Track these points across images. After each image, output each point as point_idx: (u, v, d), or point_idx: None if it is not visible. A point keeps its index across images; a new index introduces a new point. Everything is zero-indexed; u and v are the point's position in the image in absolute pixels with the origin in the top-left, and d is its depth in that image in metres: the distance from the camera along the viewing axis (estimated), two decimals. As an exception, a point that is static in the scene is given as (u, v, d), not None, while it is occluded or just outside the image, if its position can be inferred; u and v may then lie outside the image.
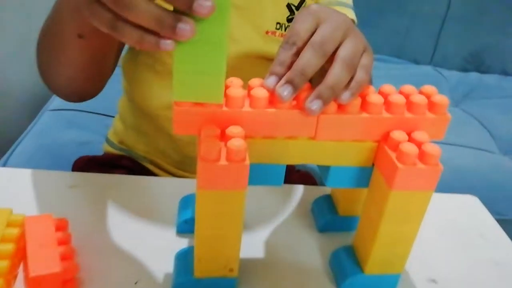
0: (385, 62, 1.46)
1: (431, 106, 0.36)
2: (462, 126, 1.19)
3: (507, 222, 0.92)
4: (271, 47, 0.57)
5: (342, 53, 0.33)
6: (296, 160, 0.36)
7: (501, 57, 1.50)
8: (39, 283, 0.35)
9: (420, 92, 0.37)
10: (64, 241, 0.39)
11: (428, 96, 0.36)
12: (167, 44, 0.28)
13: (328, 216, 0.47)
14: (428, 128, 0.36)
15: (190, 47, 0.28)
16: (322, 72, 0.33)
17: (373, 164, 0.37)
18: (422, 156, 0.33)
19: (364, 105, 0.35)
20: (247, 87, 0.35)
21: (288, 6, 0.57)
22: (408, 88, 0.37)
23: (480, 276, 0.45)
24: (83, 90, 0.52)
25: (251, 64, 0.57)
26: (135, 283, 0.39)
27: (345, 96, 0.33)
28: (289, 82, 0.32)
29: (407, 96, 0.36)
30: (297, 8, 0.57)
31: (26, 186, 0.49)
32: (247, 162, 0.31)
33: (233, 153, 0.31)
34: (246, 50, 0.57)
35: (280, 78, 0.33)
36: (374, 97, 0.35)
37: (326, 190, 0.51)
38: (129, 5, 0.27)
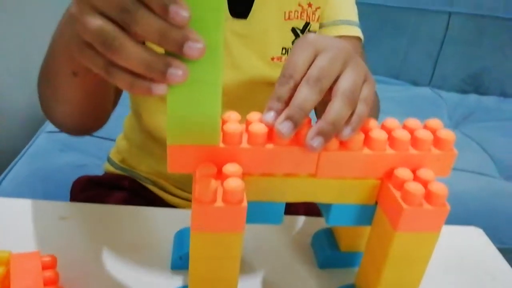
0: (384, 83, 1.46)
1: (437, 141, 0.34)
2: (461, 150, 1.16)
3: (510, 251, 0.91)
4: (277, 72, 0.55)
5: (342, 86, 0.32)
6: (296, 198, 0.35)
7: (500, 78, 1.50)
8: (22, 329, 0.33)
9: (425, 127, 0.35)
10: (51, 281, 0.37)
11: (433, 131, 0.35)
12: (159, 89, 0.27)
13: (329, 252, 0.45)
14: (433, 164, 0.34)
15: (183, 89, 0.27)
16: (325, 101, 0.32)
17: (376, 202, 0.36)
18: (429, 196, 0.32)
19: (367, 141, 0.33)
20: (245, 122, 0.33)
21: (293, 30, 0.57)
22: (412, 122, 0.35)
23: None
24: (82, 126, 0.52)
25: (257, 91, 0.56)
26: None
27: (346, 132, 0.32)
28: (289, 118, 0.31)
29: (411, 131, 0.34)
30: (302, 31, 0.57)
31: (14, 218, 0.47)
32: (245, 203, 0.30)
33: (230, 194, 0.29)
34: (251, 78, 0.56)
35: (278, 114, 0.32)
36: (377, 133, 0.33)
37: (326, 222, 0.49)
38: (118, 49, 0.26)
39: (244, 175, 0.32)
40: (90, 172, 0.71)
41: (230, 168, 0.31)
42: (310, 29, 0.58)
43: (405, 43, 1.45)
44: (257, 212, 0.34)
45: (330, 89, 0.32)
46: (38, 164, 0.92)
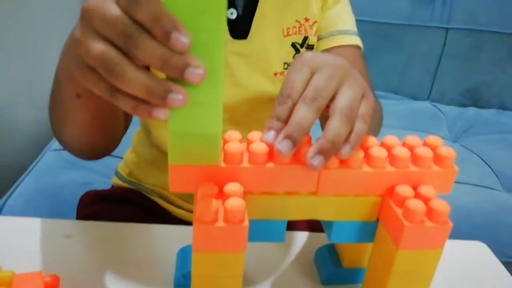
0: (383, 98, 1.46)
1: (437, 158, 0.35)
2: (462, 163, 1.17)
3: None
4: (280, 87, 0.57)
5: (340, 104, 0.32)
6: (297, 216, 0.35)
7: (498, 92, 1.50)
8: None
9: (425, 144, 0.36)
10: (53, 302, 0.37)
11: (433, 148, 0.35)
12: (161, 113, 0.27)
13: (332, 269, 0.45)
14: (434, 181, 0.34)
15: (184, 110, 0.27)
16: (326, 116, 0.33)
17: (377, 219, 0.36)
18: (430, 213, 0.32)
19: (367, 159, 0.34)
20: (246, 141, 0.33)
21: (293, 45, 0.58)
22: (412, 139, 0.36)
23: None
24: (92, 149, 0.51)
25: (260, 107, 0.57)
26: None
27: (345, 150, 0.32)
28: (287, 137, 0.31)
29: (411, 149, 0.35)
30: (301, 45, 0.58)
31: (19, 237, 0.47)
32: (246, 223, 0.30)
33: (231, 214, 0.29)
34: (255, 95, 0.57)
35: (278, 132, 0.32)
36: (377, 151, 0.33)
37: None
38: (120, 75, 0.27)
39: (245, 194, 0.32)
40: (96, 189, 0.71)
41: (231, 187, 0.31)
42: (309, 42, 0.59)
43: (404, 58, 1.47)
44: (259, 231, 0.34)
45: (329, 105, 0.33)
46: (44, 181, 0.92)
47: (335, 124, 0.31)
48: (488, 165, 1.19)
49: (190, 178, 0.31)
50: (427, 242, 0.32)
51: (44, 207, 0.86)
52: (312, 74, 0.33)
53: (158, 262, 0.45)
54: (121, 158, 0.71)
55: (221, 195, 0.31)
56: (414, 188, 0.34)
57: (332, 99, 0.33)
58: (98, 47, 0.27)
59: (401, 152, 0.34)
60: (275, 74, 0.57)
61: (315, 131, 0.34)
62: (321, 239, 0.49)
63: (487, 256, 0.53)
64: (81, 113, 0.43)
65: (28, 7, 1.06)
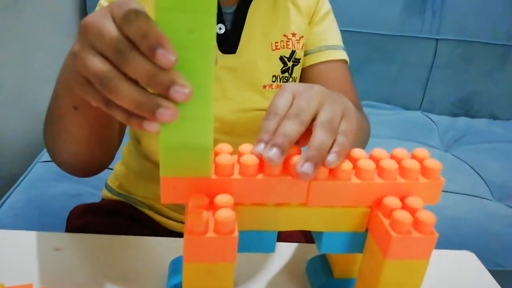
0: (375, 108, 1.48)
1: (424, 170, 0.35)
2: (453, 172, 1.19)
3: (505, 273, 0.91)
4: (269, 98, 0.58)
5: (320, 119, 0.34)
6: (287, 226, 0.35)
7: (489, 101, 1.53)
8: None
9: (412, 156, 0.36)
10: (44, 314, 0.37)
11: (420, 160, 0.36)
12: (152, 126, 0.28)
13: (323, 279, 0.45)
14: (421, 193, 0.35)
15: (175, 124, 0.28)
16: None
17: (366, 229, 0.36)
18: (417, 224, 0.32)
19: (356, 171, 0.34)
20: (237, 153, 0.34)
21: (281, 58, 0.60)
22: (400, 152, 0.36)
23: None
24: (88, 164, 0.52)
25: (249, 118, 0.59)
26: None
27: (331, 158, 0.33)
28: (275, 145, 0.32)
29: (399, 161, 0.35)
30: (289, 59, 0.60)
31: (8, 249, 0.47)
32: (236, 234, 0.30)
33: (221, 225, 0.30)
34: (245, 107, 0.59)
35: (268, 144, 0.33)
36: (366, 162, 0.34)
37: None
38: (113, 89, 0.28)
39: (236, 205, 0.32)
40: (86, 201, 0.71)
41: (222, 199, 0.32)
42: (296, 56, 0.61)
43: (395, 69, 1.48)
44: (250, 241, 0.35)
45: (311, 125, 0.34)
46: (33, 193, 0.91)
47: (318, 135, 0.33)
48: (479, 175, 1.20)
49: (182, 190, 0.32)
50: (414, 252, 0.33)
51: (34, 219, 0.85)
52: (294, 98, 0.35)
53: (149, 274, 0.45)
54: (111, 169, 0.71)
55: (212, 206, 0.32)
56: (402, 199, 0.34)
57: (314, 119, 0.34)
58: (94, 61, 0.28)
59: (389, 164, 0.34)
60: (264, 86, 0.59)
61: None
62: (313, 250, 0.49)
63: (476, 266, 0.54)
64: (78, 125, 0.44)
65: (19, 19, 1.06)
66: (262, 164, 0.33)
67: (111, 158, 0.53)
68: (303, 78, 0.63)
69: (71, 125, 0.44)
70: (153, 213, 0.65)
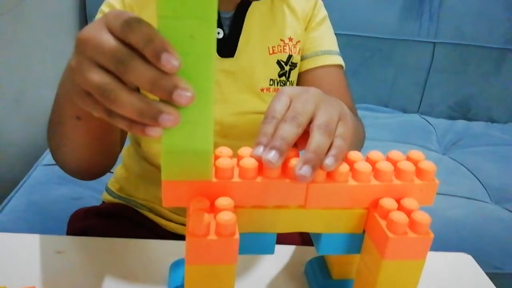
0: (374, 111, 1.49)
1: (419, 172, 0.36)
2: (451, 175, 1.20)
3: (502, 276, 0.91)
4: (266, 101, 0.60)
5: (317, 122, 0.35)
6: (286, 228, 0.36)
7: (486, 105, 1.53)
8: None
9: (408, 158, 0.37)
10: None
11: (415, 162, 0.36)
12: (154, 131, 0.29)
13: (321, 280, 0.46)
14: (416, 194, 0.36)
15: (176, 129, 0.29)
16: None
17: (364, 231, 0.37)
18: (412, 225, 0.33)
19: (353, 173, 0.35)
20: (237, 157, 0.35)
21: (278, 62, 0.61)
22: (395, 154, 0.37)
23: None
24: (91, 169, 0.53)
25: (248, 120, 0.60)
26: None
27: (329, 161, 0.34)
28: (273, 148, 0.33)
29: (394, 163, 0.36)
30: (286, 63, 0.61)
31: (10, 253, 0.47)
32: (237, 236, 0.31)
33: (222, 227, 0.30)
34: (242, 110, 0.60)
35: (266, 147, 0.34)
36: (362, 165, 0.35)
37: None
38: (115, 100, 0.29)
39: (236, 208, 0.33)
40: (87, 204, 0.72)
41: (223, 201, 0.32)
42: (292, 60, 0.62)
43: (393, 72, 1.49)
44: (250, 243, 0.36)
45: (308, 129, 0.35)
46: (35, 196, 0.92)
47: (315, 137, 0.34)
48: (477, 178, 1.21)
49: (183, 193, 0.32)
50: (410, 253, 0.34)
51: (36, 223, 0.86)
52: (291, 102, 0.36)
53: (150, 276, 0.46)
54: (112, 173, 0.72)
55: (213, 209, 0.32)
56: (398, 201, 0.35)
57: (311, 122, 0.35)
58: (94, 75, 0.29)
59: (385, 166, 0.35)
60: (262, 89, 0.60)
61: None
62: (312, 252, 0.50)
63: (473, 268, 0.54)
64: (81, 134, 0.44)
65: (20, 23, 1.07)
66: (261, 167, 0.34)
67: (114, 161, 0.54)
68: (300, 82, 0.64)
69: (73, 133, 0.45)
70: (154, 215, 0.66)
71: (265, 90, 0.60)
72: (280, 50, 0.60)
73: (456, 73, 1.49)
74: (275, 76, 0.61)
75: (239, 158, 0.34)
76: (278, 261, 0.50)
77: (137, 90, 0.30)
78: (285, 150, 0.33)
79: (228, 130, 0.59)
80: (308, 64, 0.63)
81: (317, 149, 0.33)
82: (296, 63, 0.62)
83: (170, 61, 0.27)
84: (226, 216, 0.31)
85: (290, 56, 0.61)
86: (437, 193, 0.37)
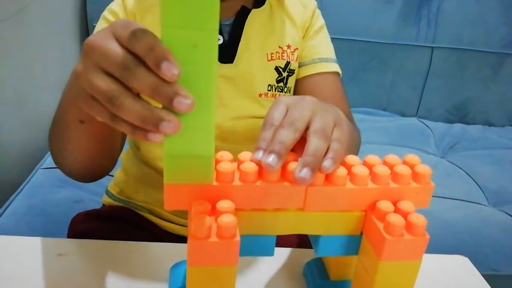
0: (372, 115, 1.50)
1: (415, 176, 0.37)
2: (449, 178, 1.21)
3: (499, 278, 0.92)
4: (264, 106, 0.61)
5: (314, 127, 0.36)
6: (286, 231, 0.37)
7: (483, 108, 1.55)
8: None
9: (404, 162, 0.38)
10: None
11: (411, 166, 0.37)
12: (156, 137, 0.30)
13: (319, 281, 0.47)
14: (413, 197, 0.37)
15: (179, 134, 0.30)
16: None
17: (361, 232, 0.38)
18: (409, 226, 0.34)
19: (350, 177, 0.36)
20: (237, 161, 0.36)
21: (276, 68, 0.62)
22: (392, 158, 0.38)
23: None
24: (93, 172, 0.54)
25: (247, 124, 0.61)
26: None
27: (327, 164, 0.35)
28: (272, 152, 0.34)
29: (391, 167, 0.37)
30: (284, 69, 0.62)
31: (11, 255, 0.48)
32: (238, 238, 0.32)
33: (224, 229, 0.31)
34: (240, 115, 0.61)
35: (266, 151, 0.35)
36: (360, 169, 0.36)
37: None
38: (119, 106, 0.30)
39: (236, 211, 0.34)
40: (88, 207, 0.73)
41: (223, 204, 0.33)
42: (290, 67, 0.63)
43: (391, 76, 1.51)
44: (250, 245, 0.36)
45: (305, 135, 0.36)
46: (35, 199, 0.93)
47: (313, 141, 0.35)
48: (474, 181, 1.22)
49: (185, 197, 0.33)
50: (407, 254, 0.34)
51: (36, 226, 0.86)
52: (287, 110, 0.37)
53: (151, 279, 0.46)
54: (112, 176, 0.73)
55: (214, 212, 0.33)
56: (394, 203, 0.36)
57: (307, 128, 0.36)
58: (99, 80, 0.30)
59: (382, 170, 0.36)
60: (260, 95, 0.61)
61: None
62: (310, 254, 0.51)
63: (469, 270, 0.55)
64: (83, 137, 0.45)
65: (22, 28, 1.08)
66: (261, 171, 0.34)
67: (113, 164, 0.55)
68: (298, 88, 0.66)
69: (76, 137, 0.46)
70: (154, 217, 0.67)
71: (263, 96, 0.61)
72: (279, 56, 0.62)
73: (453, 77, 1.51)
74: (273, 82, 0.62)
75: (239, 162, 0.35)
76: (277, 263, 0.51)
77: (141, 96, 0.31)
78: (284, 154, 0.34)
79: (227, 134, 0.60)
80: (306, 71, 0.65)
81: (315, 153, 0.34)
82: (293, 70, 0.64)
83: (170, 70, 0.28)
84: (227, 219, 0.31)
85: (288, 63, 0.63)
86: (435, 196, 0.38)
